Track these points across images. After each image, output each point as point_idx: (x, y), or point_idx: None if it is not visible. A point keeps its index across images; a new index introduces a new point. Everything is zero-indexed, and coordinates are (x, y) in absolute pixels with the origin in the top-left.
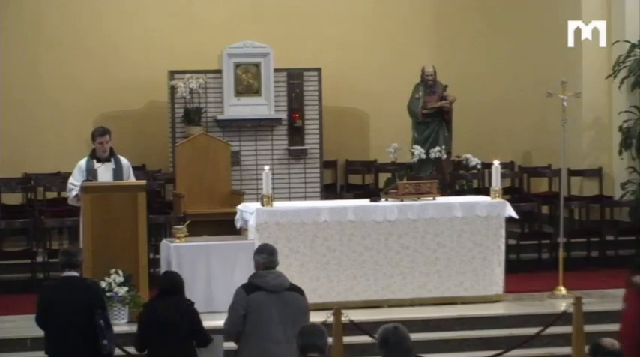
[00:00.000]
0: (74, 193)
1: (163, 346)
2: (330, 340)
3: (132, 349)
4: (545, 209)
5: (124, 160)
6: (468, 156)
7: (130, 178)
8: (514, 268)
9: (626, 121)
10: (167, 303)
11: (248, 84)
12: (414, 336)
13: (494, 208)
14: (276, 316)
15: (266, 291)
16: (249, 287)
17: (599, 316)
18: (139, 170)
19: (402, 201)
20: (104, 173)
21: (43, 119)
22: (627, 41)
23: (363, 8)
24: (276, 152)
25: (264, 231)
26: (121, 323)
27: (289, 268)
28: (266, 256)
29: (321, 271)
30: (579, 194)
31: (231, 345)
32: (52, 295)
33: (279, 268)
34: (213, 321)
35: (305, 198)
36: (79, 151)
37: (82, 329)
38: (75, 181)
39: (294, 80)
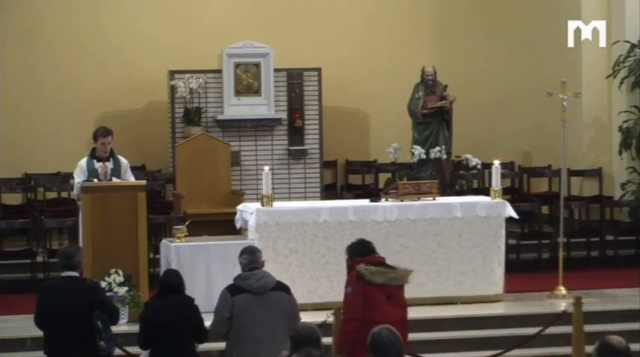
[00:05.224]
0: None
1: (167, 346)
2: (330, 340)
3: (132, 349)
4: (545, 209)
5: (123, 160)
6: (468, 156)
7: (127, 176)
8: (514, 268)
9: (626, 121)
10: (170, 302)
11: (248, 84)
12: (414, 336)
13: (494, 208)
14: (262, 317)
15: (250, 293)
16: (233, 289)
17: (599, 316)
18: (138, 170)
19: (402, 201)
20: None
21: (42, 119)
22: (627, 41)
23: (362, 8)
24: (276, 152)
25: (264, 231)
26: (121, 323)
27: (289, 268)
28: (247, 256)
29: (321, 271)
30: (579, 194)
31: (221, 345)
32: (51, 295)
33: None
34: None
35: (305, 198)
36: (79, 151)
37: (80, 330)
38: (79, 179)
39: (294, 80)
